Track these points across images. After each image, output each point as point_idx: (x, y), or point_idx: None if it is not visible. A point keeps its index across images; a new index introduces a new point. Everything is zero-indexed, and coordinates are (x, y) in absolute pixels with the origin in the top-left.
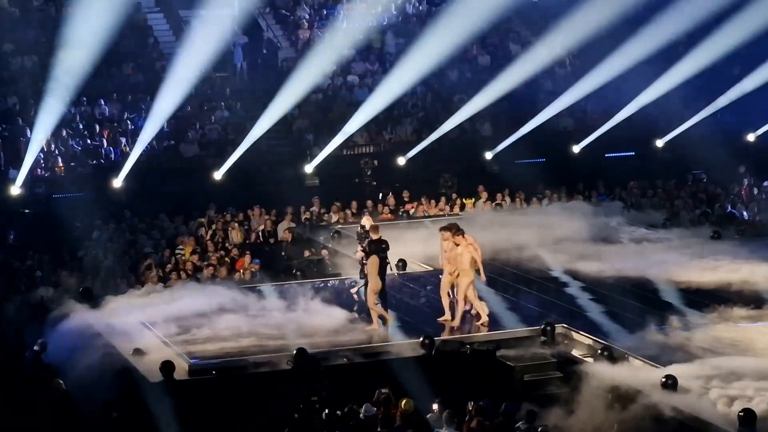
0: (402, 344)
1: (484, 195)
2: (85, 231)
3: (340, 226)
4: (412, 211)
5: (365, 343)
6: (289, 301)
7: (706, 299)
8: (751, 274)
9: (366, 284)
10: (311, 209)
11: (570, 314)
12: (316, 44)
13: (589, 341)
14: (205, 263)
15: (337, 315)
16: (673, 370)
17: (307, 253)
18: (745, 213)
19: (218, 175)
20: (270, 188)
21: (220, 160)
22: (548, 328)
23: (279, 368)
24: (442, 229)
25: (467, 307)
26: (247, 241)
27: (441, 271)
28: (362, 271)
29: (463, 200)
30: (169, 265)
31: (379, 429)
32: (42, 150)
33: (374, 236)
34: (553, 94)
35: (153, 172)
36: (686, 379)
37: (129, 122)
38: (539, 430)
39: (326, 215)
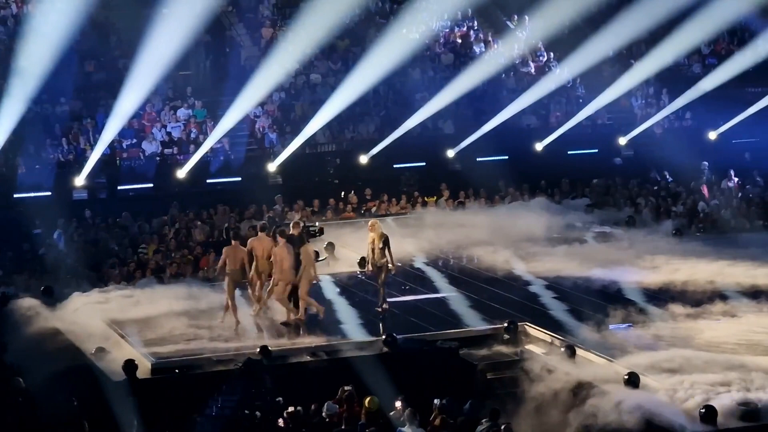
0: (364, 342)
1: (446, 193)
2: (46, 229)
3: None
4: (374, 210)
5: (327, 341)
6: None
7: (662, 296)
8: (695, 273)
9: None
10: (274, 207)
11: (531, 312)
12: (279, 43)
13: (550, 338)
14: (169, 261)
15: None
16: (634, 366)
17: None
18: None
19: (181, 173)
20: (233, 186)
21: (183, 159)
22: (511, 326)
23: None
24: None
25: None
26: (210, 240)
27: (403, 270)
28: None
29: (425, 198)
30: (132, 264)
31: (342, 427)
32: (3, 148)
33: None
34: (515, 92)
35: (115, 171)
36: (646, 375)
37: (91, 120)
38: (502, 428)
39: (289, 213)
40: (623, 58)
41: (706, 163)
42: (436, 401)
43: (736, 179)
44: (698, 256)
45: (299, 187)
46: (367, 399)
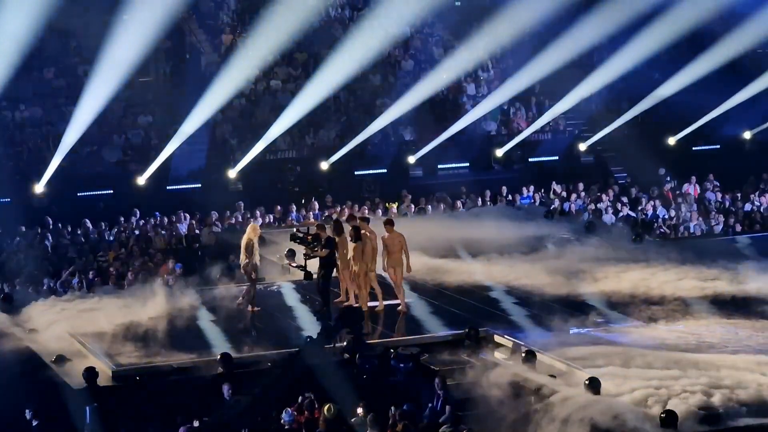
0: (326, 348)
1: (407, 199)
2: (6, 236)
3: (263, 231)
4: (335, 216)
5: (287, 347)
6: (212, 306)
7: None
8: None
9: None
10: (235, 214)
11: (492, 318)
12: (239, 49)
13: (511, 344)
14: (129, 268)
15: (261, 318)
16: (595, 372)
17: (231, 258)
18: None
19: (141, 180)
20: (194, 193)
21: (143, 166)
22: (472, 332)
23: (202, 374)
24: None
25: None
26: (170, 247)
27: None
28: None
29: (387, 204)
30: (92, 271)
31: None
32: None
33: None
34: (476, 98)
35: (76, 178)
36: (607, 381)
37: (51, 127)
38: None
39: (250, 220)
40: (583, 64)
41: (663, 169)
42: (392, 409)
43: (695, 185)
44: (659, 263)
45: (260, 193)
46: (325, 407)
